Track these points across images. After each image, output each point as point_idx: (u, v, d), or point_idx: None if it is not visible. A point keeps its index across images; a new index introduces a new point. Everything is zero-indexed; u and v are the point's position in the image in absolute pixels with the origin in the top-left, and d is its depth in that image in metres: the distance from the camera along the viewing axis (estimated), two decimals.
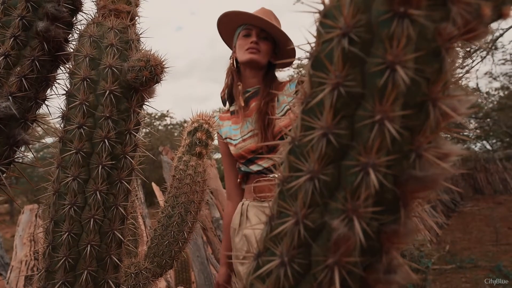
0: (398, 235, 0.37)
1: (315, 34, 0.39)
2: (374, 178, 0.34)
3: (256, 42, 1.57)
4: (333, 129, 0.36)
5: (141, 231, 2.83)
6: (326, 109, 0.36)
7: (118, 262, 0.68)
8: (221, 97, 1.76)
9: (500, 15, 0.40)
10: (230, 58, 1.73)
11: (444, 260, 5.53)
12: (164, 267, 1.07)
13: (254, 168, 1.57)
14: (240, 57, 1.61)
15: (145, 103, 0.72)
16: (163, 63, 0.69)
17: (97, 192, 0.65)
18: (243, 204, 1.61)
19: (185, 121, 17.97)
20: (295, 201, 0.39)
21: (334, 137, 0.36)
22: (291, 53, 1.62)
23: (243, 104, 1.62)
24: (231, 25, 1.65)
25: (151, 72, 0.66)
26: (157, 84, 0.70)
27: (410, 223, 0.37)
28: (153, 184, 3.16)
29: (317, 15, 0.39)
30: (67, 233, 0.65)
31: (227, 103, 1.74)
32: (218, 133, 1.71)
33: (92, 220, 0.65)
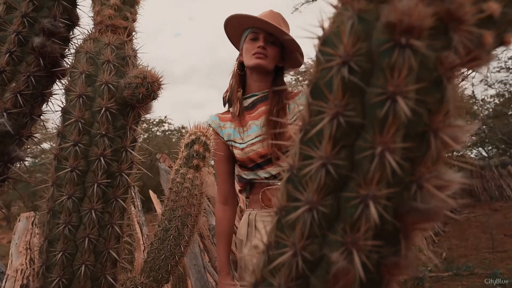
0: (399, 268, 0.36)
1: (314, 60, 0.39)
2: (375, 212, 0.33)
3: (263, 47, 1.54)
4: (333, 159, 0.35)
5: (138, 239, 2.81)
6: (325, 139, 0.36)
7: (113, 282, 0.67)
8: (223, 97, 1.74)
9: (502, 43, 0.40)
10: (236, 60, 1.70)
11: (441, 267, 5.53)
12: (160, 281, 1.06)
13: (262, 174, 1.53)
14: (247, 62, 1.58)
15: (141, 119, 0.72)
16: (160, 80, 0.68)
17: (92, 211, 0.64)
18: (250, 214, 1.57)
19: (183, 127, 17.96)
20: (293, 232, 0.38)
21: (333, 168, 0.35)
22: (299, 57, 1.60)
23: (237, 113, 1.59)
24: (238, 27, 1.63)
25: (148, 89, 0.66)
26: (153, 101, 0.69)
27: (410, 254, 0.36)
28: (151, 192, 3.15)
29: (316, 41, 0.39)
30: (61, 252, 0.64)
31: (227, 105, 1.72)
32: (217, 133, 1.65)
33: (87, 239, 0.64)
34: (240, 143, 1.58)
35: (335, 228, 0.36)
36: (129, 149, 0.68)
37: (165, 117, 18.08)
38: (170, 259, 1.07)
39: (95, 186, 0.65)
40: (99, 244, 0.66)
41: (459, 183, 0.36)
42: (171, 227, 1.07)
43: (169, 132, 18.33)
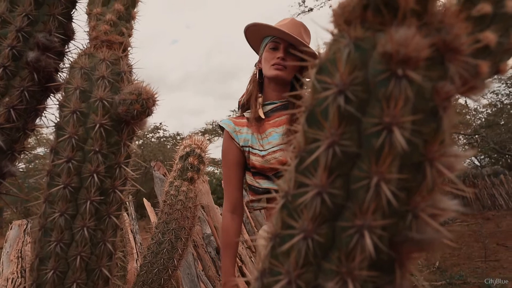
0: None
1: (310, 86, 0.39)
2: (370, 242, 0.33)
3: (282, 58, 1.51)
4: (328, 188, 0.35)
5: (131, 248, 2.79)
6: (321, 167, 0.35)
7: None
8: (239, 101, 1.69)
9: (497, 71, 0.40)
10: (255, 66, 1.66)
11: (434, 276, 5.53)
12: None
13: None
14: (266, 71, 1.55)
15: (136, 135, 0.71)
16: (155, 96, 0.68)
17: (85, 228, 0.64)
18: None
19: (178, 134, 17.92)
20: (287, 259, 0.38)
21: (328, 197, 0.35)
22: None
23: (263, 117, 1.54)
24: (258, 33, 1.59)
25: (143, 106, 0.65)
26: (148, 117, 0.69)
27: (405, 283, 0.36)
28: (145, 200, 3.13)
29: (313, 68, 0.38)
30: (52, 271, 0.63)
31: (241, 109, 1.66)
32: (232, 138, 1.54)
33: (78, 257, 0.63)
34: (260, 150, 1.50)
35: (330, 257, 0.36)
36: (123, 166, 0.68)
37: (160, 123, 18.04)
38: (163, 272, 1.06)
39: (88, 203, 0.64)
40: (91, 262, 0.65)
41: (454, 211, 0.36)
42: (164, 240, 1.06)
43: (164, 139, 18.29)
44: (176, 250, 1.07)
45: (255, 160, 1.49)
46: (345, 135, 0.35)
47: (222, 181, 1.58)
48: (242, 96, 1.66)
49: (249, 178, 1.54)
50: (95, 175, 0.64)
